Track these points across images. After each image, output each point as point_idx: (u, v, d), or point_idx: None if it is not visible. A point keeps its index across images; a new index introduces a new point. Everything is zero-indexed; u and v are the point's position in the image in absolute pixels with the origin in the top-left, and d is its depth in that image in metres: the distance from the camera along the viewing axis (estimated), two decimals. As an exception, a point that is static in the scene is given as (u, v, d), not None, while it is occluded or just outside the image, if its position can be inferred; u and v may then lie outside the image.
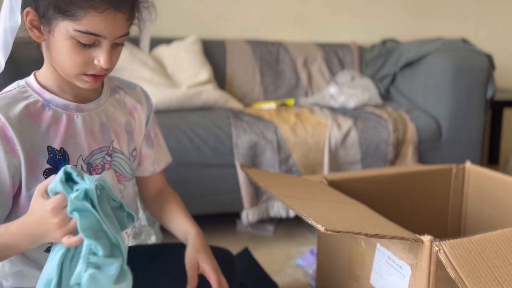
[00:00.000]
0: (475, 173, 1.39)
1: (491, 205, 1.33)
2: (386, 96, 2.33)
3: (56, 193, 0.65)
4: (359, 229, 0.80)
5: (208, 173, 1.71)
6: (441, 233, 1.43)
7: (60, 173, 0.65)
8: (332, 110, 2.03)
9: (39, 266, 0.80)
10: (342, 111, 2.00)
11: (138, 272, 0.95)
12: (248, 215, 1.76)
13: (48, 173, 0.75)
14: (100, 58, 0.74)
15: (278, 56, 2.39)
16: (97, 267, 0.62)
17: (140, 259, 0.98)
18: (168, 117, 1.81)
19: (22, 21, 0.74)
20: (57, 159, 0.77)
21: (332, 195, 1.08)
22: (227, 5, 2.48)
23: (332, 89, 2.19)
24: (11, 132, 0.72)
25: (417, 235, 0.84)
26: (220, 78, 2.26)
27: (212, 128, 1.74)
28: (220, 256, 0.99)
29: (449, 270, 0.76)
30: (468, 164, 1.41)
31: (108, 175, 0.84)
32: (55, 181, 0.65)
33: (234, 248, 1.68)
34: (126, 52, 2.00)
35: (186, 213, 0.96)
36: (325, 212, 0.88)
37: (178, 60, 2.15)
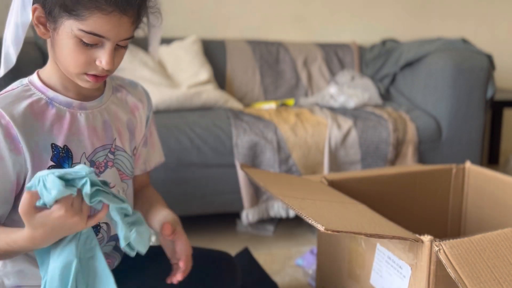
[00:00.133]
0: (475, 173, 1.39)
1: (491, 205, 1.33)
2: (386, 96, 2.33)
3: (54, 199, 0.65)
4: (359, 229, 0.80)
5: (208, 173, 1.71)
6: (441, 233, 1.43)
7: (53, 181, 0.64)
8: (332, 110, 2.03)
9: None
10: (342, 111, 2.00)
11: (138, 272, 0.95)
12: (248, 215, 1.76)
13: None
14: (102, 59, 0.74)
15: (278, 56, 2.39)
16: (133, 223, 0.72)
17: (140, 260, 0.98)
18: (168, 117, 1.81)
19: None
20: (60, 157, 0.77)
21: (332, 195, 1.08)
22: (227, 5, 2.48)
23: (332, 89, 2.19)
24: (15, 131, 0.73)
25: (417, 235, 0.84)
26: (220, 78, 2.26)
27: (212, 128, 1.74)
28: (221, 259, 0.99)
29: (449, 270, 0.76)
30: (468, 164, 1.41)
31: (111, 174, 0.85)
32: (52, 190, 0.64)
33: (234, 248, 1.68)
34: (126, 52, 2.00)
35: (165, 205, 0.96)
36: (325, 212, 0.88)
37: (178, 60, 2.15)
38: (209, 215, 1.86)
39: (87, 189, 0.66)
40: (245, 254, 1.52)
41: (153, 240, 1.56)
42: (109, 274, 0.73)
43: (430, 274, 0.84)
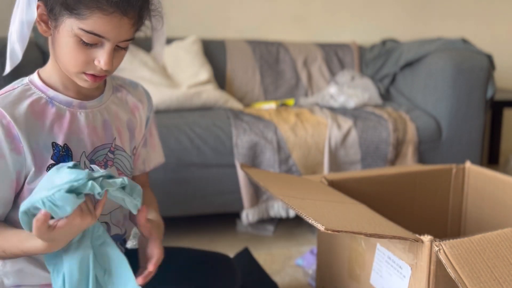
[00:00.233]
0: (475, 173, 1.39)
1: (491, 205, 1.33)
2: (386, 96, 2.33)
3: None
4: (359, 229, 0.80)
5: (208, 173, 1.71)
6: (441, 233, 1.43)
7: (64, 198, 0.66)
8: (332, 110, 2.03)
9: (41, 264, 0.80)
10: (342, 111, 2.00)
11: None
12: (248, 215, 1.76)
13: (51, 169, 0.76)
14: (100, 59, 0.74)
15: (278, 56, 2.39)
16: (132, 190, 0.75)
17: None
18: (168, 117, 1.81)
19: None
20: (60, 155, 0.77)
21: (332, 195, 1.08)
22: (227, 5, 2.48)
23: (332, 89, 2.19)
24: (16, 130, 0.73)
25: (417, 235, 0.84)
26: (220, 78, 2.26)
27: (212, 128, 1.74)
28: (219, 261, 0.99)
29: (449, 270, 0.76)
30: (468, 164, 1.41)
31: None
32: (67, 207, 0.67)
33: (234, 248, 1.68)
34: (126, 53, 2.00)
35: (155, 209, 0.96)
36: (325, 212, 0.88)
37: (178, 60, 2.15)
38: (209, 215, 1.86)
39: (97, 190, 0.69)
40: (245, 254, 1.52)
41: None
42: (121, 256, 0.76)
43: (430, 274, 0.84)
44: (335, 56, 2.46)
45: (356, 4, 2.66)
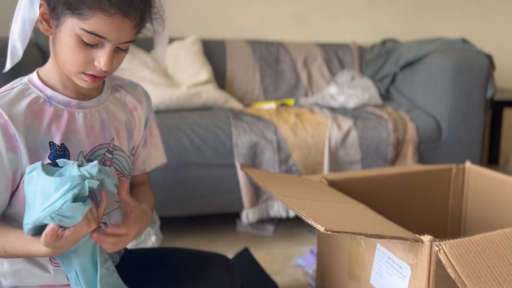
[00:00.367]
0: (475, 173, 1.39)
1: (491, 205, 1.33)
2: (386, 96, 2.33)
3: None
4: (359, 229, 0.80)
5: (208, 173, 1.71)
6: (441, 233, 1.43)
7: (72, 208, 0.68)
8: (332, 110, 2.03)
9: (39, 264, 0.80)
10: (342, 111, 2.00)
11: (136, 273, 0.95)
12: (248, 215, 1.76)
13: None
14: (100, 60, 0.74)
15: (278, 56, 2.39)
16: (105, 172, 0.75)
17: (139, 261, 0.98)
18: (168, 117, 1.81)
19: None
20: (57, 155, 0.78)
21: (332, 195, 1.08)
22: (227, 5, 2.48)
23: (332, 89, 2.19)
24: (13, 129, 0.73)
25: (417, 235, 0.84)
26: (220, 78, 2.26)
27: (212, 128, 1.74)
28: (219, 262, 0.98)
29: (449, 270, 0.76)
30: (468, 164, 1.41)
31: None
32: (77, 216, 0.68)
33: (234, 248, 1.68)
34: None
35: (150, 204, 0.95)
36: (325, 212, 0.88)
37: (178, 60, 2.15)
38: (209, 215, 1.86)
39: (95, 184, 0.70)
40: (245, 254, 1.52)
41: (153, 241, 1.56)
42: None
43: (430, 274, 0.84)
44: (335, 56, 2.46)
45: (356, 4, 2.66)
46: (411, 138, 1.88)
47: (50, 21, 0.75)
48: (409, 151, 1.88)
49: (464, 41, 2.08)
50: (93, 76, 0.77)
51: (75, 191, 0.68)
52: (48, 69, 0.81)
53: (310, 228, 1.87)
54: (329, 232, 0.76)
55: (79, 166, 0.72)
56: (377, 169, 1.46)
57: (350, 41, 2.56)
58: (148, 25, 0.82)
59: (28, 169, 0.71)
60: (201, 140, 1.70)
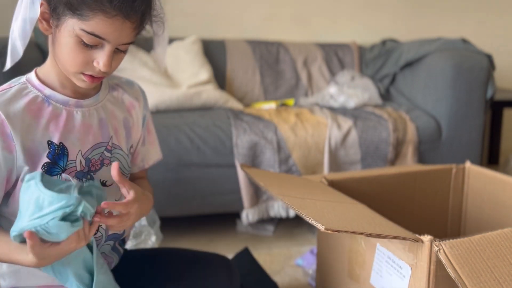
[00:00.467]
0: (475, 173, 1.39)
1: (491, 205, 1.33)
2: (386, 96, 2.33)
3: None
4: (359, 229, 0.80)
5: (208, 173, 1.71)
6: (441, 233, 1.43)
7: (58, 226, 0.68)
8: (332, 110, 2.03)
9: None
10: (342, 111, 2.00)
11: (136, 273, 0.95)
12: (248, 215, 1.76)
13: (46, 167, 0.76)
14: (99, 61, 0.75)
15: (278, 56, 2.39)
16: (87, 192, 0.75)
17: (138, 261, 0.98)
18: (168, 117, 1.81)
19: None
20: (56, 154, 0.78)
21: (332, 195, 1.08)
22: (227, 5, 2.48)
23: (332, 89, 2.19)
24: (9, 129, 0.73)
25: (417, 235, 0.84)
26: (220, 78, 2.26)
27: (212, 128, 1.74)
28: (218, 263, 0.98)
29: (449, 270, 0.76)
30: (468, 164, 1.41)
31: (108, 172, 0.84)
32: (61, 234, 0.68)
33: (234, 248, 1.68)
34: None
35: (149, 191, 0.95)
36: (325, 211, 0.88)
37: (178, 60, 2.15)
38: (209, 215, 1.86)
39: (90, 211, 0.71)
40: (245, 254, 1.52)
41: (153, 241, 1.56)
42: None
43: (430, 274, 0.84)
44: (335, 56, 2.46)
45: (356, 4, 2.66)
46: (411, 138, 1.88)
47: (50, 20, 0.75)
48: (409, 151, 1.88)
49: (464, 41, 2.08)
50: (91, 76, 0.77)
51: (67, 210, 0.68)
52: (46, 68, 0.81)
53: (310, 228, 1.87)
54: (329, 231, 0.76)
55: (81, 188, 0.73)
56: (377, 169, 1.46)
57: (350, 41, 2.56)
58: (148, 26, 0.82)
59: (27, 177, 0.71)
60: (201, 140, 1.70)
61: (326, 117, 1.88)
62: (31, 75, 0.81)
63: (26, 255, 0.69)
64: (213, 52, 2.30)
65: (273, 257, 1.62)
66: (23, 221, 0.69)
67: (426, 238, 0.82)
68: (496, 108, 2.66)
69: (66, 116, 0.80)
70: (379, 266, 0.96)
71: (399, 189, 1.34)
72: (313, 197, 1.00)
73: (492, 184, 1.32)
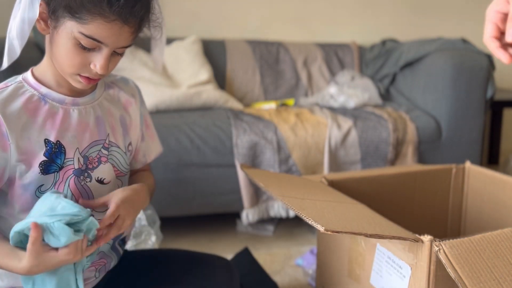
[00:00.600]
0: (475, 173, 1.39)
1: (491, 205, 1.33)
2: (386, 96, 2.33)
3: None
4: (359, 229, 0.80)
5: (208, 173, 1.71)
6: (441, 233, 1.43)
7: (62, 229, 0.68)
8: (332, 110, 2.03)
9: None
10: (342, 111, 2.00)
11: (135, 274, 0.95)
12: (248, 215, 1.76)
13: (43, 165, 0.77)
14: (97, 63, 0.75)
15: (278, 56, 2.39)
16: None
17: (137, 261, 0.98)
18: (168, 117, 1.81)
19: None
20: (53, 152, 0.78)
21: (332, 195, 1.08)
22: (227, 5, 2.48)
23: (332, 89, 2.19)
24: (5, 128, 0.73)
25: (417, 235, 0.84)
26: (220, 78, 2.26)
27: (212, 128, 1.74)
28: (218, 264, 0.98)
29: (449, 270, 0.76)
30: (468, 164, 1.41)
31: (106, 169, 0.85)
32: (61, 238, 0.68)
33: (234, 248, 1.68)
34: (126, 52, 2.00)
35: (149, 183, 0.95)
36: (325, 212, 0.88)
37: (178, 60, 2.15)
38: (209, 215, 1.86)
39: (94, 228, 0.72)
40: (245, 254, 1.52)
41: (153, 241, 1.56)
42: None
43: (430, 274, 0.84)
44: (335, 56, 2.46)
45: (356, 4, 2.66)
46: (411, 138, 1.88)
47: (48, 21, 0.75)
48: (409, 151, 1.88)
49: (464, 41, 2.08)
50: (88, 78, 0.77)
51: (75, 217, 0.69)
52: (42, 68, 0.81)
53: (310, 228, 1.87)
54: (329, 232, 0.76)
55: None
56: (377, 169, 1.46)
57: (350, 41, 2.56)
58: (146, 29, 0.82)
59: (53, 190, 0.75)
60: (201, 140, 1.70)
61: (326, 117, 1.88)
62: (27, 74, 0.81)
63: (18, 261, 0.70)
64: (213, 52, 2.30)
65: (273, 257, 1.62)
66: (32, 218, 0.69)
67: (426, 238, 0.82)
68: (496, 108, 2.66)
69: (62, 114, 0.80)
70: (379, 266, 0.96)
71: (399, 189, 1.34)
72: (313, 197, 1.00)
73: (492, 184, 1.32)
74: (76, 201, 0.80)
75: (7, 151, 0.74)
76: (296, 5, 2.58)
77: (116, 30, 0.73)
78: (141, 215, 1.55)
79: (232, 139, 1.72)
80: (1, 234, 0.77)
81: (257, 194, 1.77)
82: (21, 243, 0.72)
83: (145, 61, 2.06)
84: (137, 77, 1.95)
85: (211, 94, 2.04)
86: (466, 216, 1.43)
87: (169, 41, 2.23)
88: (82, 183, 0.81)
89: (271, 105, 2.11)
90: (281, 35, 2.55)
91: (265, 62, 2.35)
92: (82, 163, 0.81)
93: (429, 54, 2.05)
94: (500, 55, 0.72)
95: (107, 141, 0.86)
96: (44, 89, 0.79)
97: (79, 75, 0.77)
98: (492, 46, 0.73)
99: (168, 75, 2.11)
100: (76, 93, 0.83)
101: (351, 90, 2.16)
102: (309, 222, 0.80)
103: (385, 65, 2.35)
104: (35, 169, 0.76)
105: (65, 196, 0.75)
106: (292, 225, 1.92)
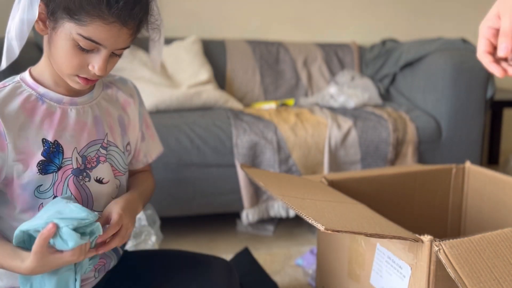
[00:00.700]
0: (475, 173, 1.39)
1: (491, 205, 1.33)
2: (386, 96, 2.33)
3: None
4: (359, 229, 0.80)
5: (208, 173, 1.71)
6: (441, 233, 1.43)
7: (70, 234, 0.69)
8: (332, 110, 2.03)
9: None
10: (342, 111, 2.00)
11: (134, 274, 0.95)
12: (248, 215, 1.76)
13: (41, 165, 0.77)
14: (95, 65, 0.75)
15: (278, 56, 2.39)
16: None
17: (137, 261, 0.98)
18: (168, 117, 1.81)
19: None
20: (51, 151, 0.78)
21: (332, 195, 1.08)
22: (227, 5, 2.48)
23: (332, 89, 2.19)
24: (2, 127, 0.74)
25: (417, 235, 0.84)
26: (220, 78, 2.26)
27: (212, 128, 1.74)
28: (218, 265, 0.98)
29: (449, 270, 0.76)
30: (468, 164, 1.41)
31: (104, 169, 0.85)
32: (69, 242, 0.69)
33: (234, 248, 1.68)
34: (126, 52, 2.00)
35: (146, 186, 0.96)
36: (325, 211, 0.88)
37: (178, 60, 2.15)
38: (209, 215, 1.86)
39: (98, 233, 0.73)
40: (245, 254, 1.52)
41: (153, 241, 1.56)
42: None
43: (430, 274, 0.84)
44: (335, 56, 2.46)
45: (356, 4, 2.66)
46: (411, 138, 1.88)
47: (46, 22, 0.75)
48: (409, 151, 1.88)
49: (464, 41, 2.08)
50: (86, 79, 0.78)
51: (82, 222, 0.70)
52: (40, 67, 0.82)
53: (310, 228, 1.87)
54: (329, 232, 0.76)
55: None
56: (377, 169, 1.46)
57: (350, 41, 2.56)
58: (144, 31, 0.82)
59: (64, 196, 0.76)
60: (201, 140, 1.70)
61: (326, 117, 1.88)
62: (25, 74, 0.81)
63: (20, 261, 0.70)
64: (213, 52, 2.30)
65: (273, 257, 1.62)
66: (39, 220, 0.70)
67: (426, 238, 0.82)
68: (496, 108, 2.66)
69: (60, 114, 0.80)
70: (379, 266, 0.96)
71: (399, 189, 1.34)
72: (313, 197, 1.00)
73: (492, 184, 1.32)
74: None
75: (4, 151, 0.74)
76: (296, 5, 2.58)
77: (114, 32, 0.73)
78: (141, 215, 1.55)
79: (232, 139, 1.72)
80: (0, 234, 0.77)
81: (257, 194, 1.77)
82: (24, 243, 0.72)
83: (145, 61, 2.06)
84: (137, 77, 1.95)
85: (211, 94, 2.04)
86: (466, 216, 1.43)
87: (169, 41, 2.23)
88: (81, 183, 0.81)
89: (271, 105, 2.11)
90: (281, 35, 2.55)
91: (265, 62, 2.35)
92: (80, 163, 0.81)
93: (429, 54, 2.05)
94: (493, 69, 0.74)
95: (105, 141, 0.86)
96: (42, 89, 0.80)
97: (77, 76, 0.77)
98: (485, 61, 0.75)
99: (168, 75, 2.11)
100: (74, 92, 0.83)
101: (351, 90, 2.16)
102: (310, 221, 0.80)
103: (385, 65, 2.35)
104: (33, 168, 0.76)
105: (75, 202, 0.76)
106: (292, 225, 1.92)
